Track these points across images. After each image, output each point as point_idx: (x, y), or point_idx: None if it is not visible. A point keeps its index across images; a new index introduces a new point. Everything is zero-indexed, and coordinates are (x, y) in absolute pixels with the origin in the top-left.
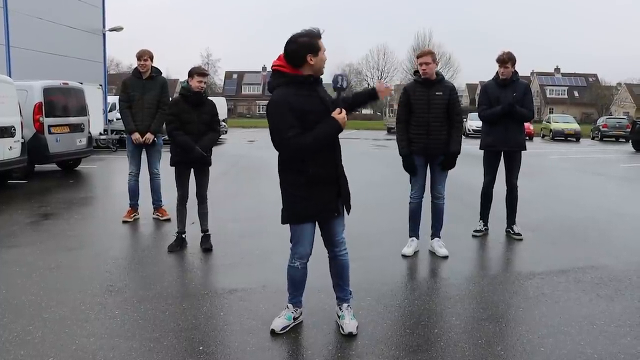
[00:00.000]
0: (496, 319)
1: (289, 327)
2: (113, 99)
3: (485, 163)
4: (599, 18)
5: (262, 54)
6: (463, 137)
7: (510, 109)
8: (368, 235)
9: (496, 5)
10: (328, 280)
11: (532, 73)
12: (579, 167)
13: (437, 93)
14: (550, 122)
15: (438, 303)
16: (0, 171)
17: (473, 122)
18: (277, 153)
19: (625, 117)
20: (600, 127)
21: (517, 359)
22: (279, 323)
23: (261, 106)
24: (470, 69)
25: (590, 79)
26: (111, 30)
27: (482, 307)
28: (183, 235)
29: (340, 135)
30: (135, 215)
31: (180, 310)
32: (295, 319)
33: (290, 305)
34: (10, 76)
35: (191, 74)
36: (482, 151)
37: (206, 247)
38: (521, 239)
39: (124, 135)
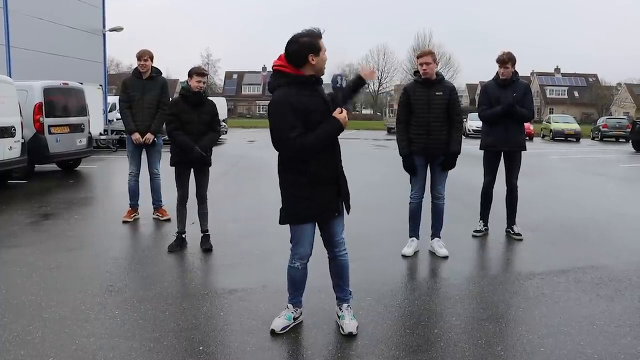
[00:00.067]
0: (496, 319)
1: (289, 327)
2: (113, 99)
3: (485, 163)
4: (599, 18)
5: (262, 54)
6: (463, 137)
7: (510, 109)
8: (368, 236)
9: (496, 5)
10: (328, 281)
11: (532, 73)
12: (579, 167)
13: (437, 93)
14: (550, 122)
15: (438, 303)
16: (0, 171)
17: (473, 122)
18: (277, 153)
19: (625, 117)
20: (601, 127)
21: (517, 359)
22: (279, 323)
23: (261, 106)
24: (470, 69)
25: (591, 79)
26: (111, 30)
27: (482, 307)
28: (183, 236)
29: (340, 136)
30: (135, 216)
31: (180, 310)
32: (295, 319)
33: (290, 306)
34: (10, 76)
35: (190, 74)
36: (482, 151)
37: (206, 247)
38: (521, 239)
39: (124, 136)
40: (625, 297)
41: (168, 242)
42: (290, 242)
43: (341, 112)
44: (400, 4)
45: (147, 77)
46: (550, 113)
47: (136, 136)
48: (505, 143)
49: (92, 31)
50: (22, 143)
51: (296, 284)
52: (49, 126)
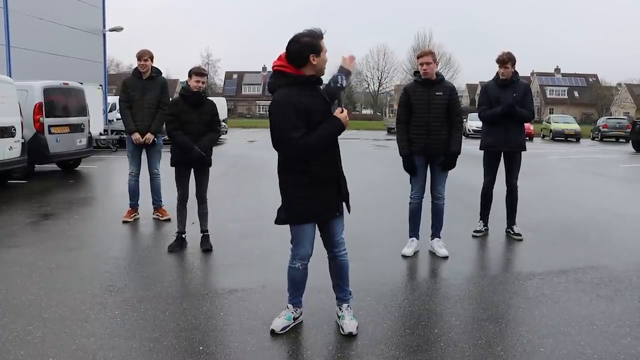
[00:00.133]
0: (496, 319)
1: (289, 327)
2: (113, 99)
3: (485, 163)
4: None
5: (262, 54)
6: (463, 137)
7: (510, 109)
8: (368, 236)
9: (496, 5)
10: (328, 281)
11: (532, 73)
12: (579, 167)
13: (437, 93)
14: (550, 123)
15: (438, 303)
16: (0, 171)
17: (473, 122)
18: (277, 153)
19: (625, 117)
20: (601, 128)
21: (517, 359)
22: (279, 323)
23: (261, 106)
24: (470, 69)
25: (591, 79)
26: (111, 30)
27: (482, 308)
28: (183, 236)
29: (340, 136)
30: (135, 216)
31: (180, 310)
32: (295, 319)
33: (290, 306)
34: (10, 76)
35: (190, 74)
36: (482, 151)
37: (206, 247)
38: (521, 240)
39: (124, 136)
40: (625, 298)
41: (168, 242)
42: (291, 242)
43: (342, 111)
44: (400, 4)
45: (147, 77)
46: (550, 113)
47: (136, 136)
48: (505, 143)
49: (92, 31)
50: (22, 143)
51: (296, 284)
52: (49, 126)
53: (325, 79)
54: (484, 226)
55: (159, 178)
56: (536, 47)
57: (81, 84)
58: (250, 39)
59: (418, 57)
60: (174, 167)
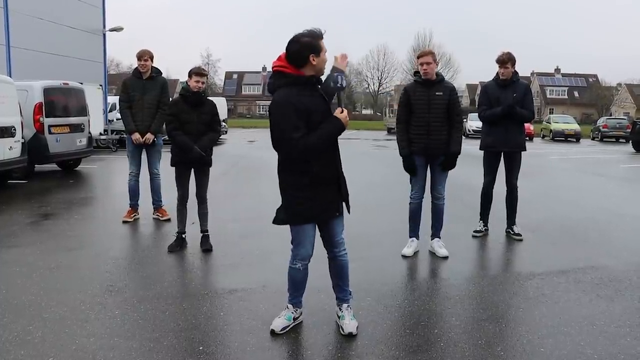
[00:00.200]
0: (496, 319)
1: (289, 328)
2: (113, 99)
3: (485, 163)
4: (599, 18)
5: (262, 54)
6: (463, 137)
7: (510, 110)
8: (368, 236)
9: (496, 5)
10: (328, 281)
11: (532, 73)
12: (579, 167)
13: (437, 93)
14: (550, 123)
15: (438, 303)
16: (0, 171)
17: (473, 122)
18: (277, 153)
19: (625, 117)
20: (601, 128)
21: (517, 359)
22: (278, 323)
23: (261, 106)
24: (470, 70)
25: (591, 80)
26: (111, 30)
27: (482, 308)
28: (183, 236)
29: (340, 136)
30: (135, 216)
31: (180, 310)
32: (295, 319)
33: (290, 306)
34: (10, 76)
35: (190, 74)
36: (482, 152)
37: (206, 247)
38: (521, 240)
39: (124, 136)
40: (625, 298)
41: (168, 242)
42: (292, 243)
43: (342, 111)
44: (400, 4)
45: (147, 77)
46: (550, 113)
47: (136, 136)
48: (505, 143)
49: (92, 31)
50: (22, 143)
51: (297, 284)
52: (49, 126)
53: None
54: (484, 226)
55: (159, 178)
56: (536, 47)
57: (81, 84)
58: (250, 39)
59: (418, 57)
60: (174, 167)
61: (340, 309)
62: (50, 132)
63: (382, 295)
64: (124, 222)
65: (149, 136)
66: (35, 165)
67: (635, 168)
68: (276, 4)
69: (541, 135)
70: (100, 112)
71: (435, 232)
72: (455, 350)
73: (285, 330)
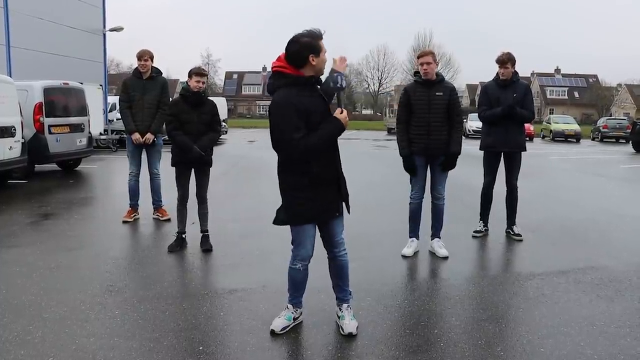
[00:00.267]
0: (496, 319)
1: (289, 328)
2: (113, 99)
3: (485, 164)
4: (599, 18)
5: (263, 54)
6: (463, 137)
7: (510, 110)
8: (368, 236)
9: (496, 5)
10: (328, 281)
11: (532, 74)
12: (579, 167)
13: (437, 93)
14: (550, 123)
15: (438, 304)
16: (0, 171)
17: (473, 122)
18: (277, 154)
19: (625, 118)
20: (601, 128)
21: None
22: (278, 323)
23: (261, 106)
24: (470, 70)
25: (591, 80)
26: (111, 30)
27: (482, 308)
28: (183, 236)
29: (340, 136)
30: (135, 216)
31: (180, 310)
32: (295, 319)
33: (290, 306)
34: (10, 76)
35: (190, 74)
36: (482, 152)
37: (206, 247)
38: (521, 240)
39: (124, 136)
40: (625, 298)
41: (168, 242)
42: (292, 243)
43: (341, 112)
44: (400, 4)
45: (148, 77)
46: (550, 114)
47: (136, 136)
48: (505, 144)
49: (92, 31)
50: (22, 143)
51: (297, 284)
52: (49, 126)
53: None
54: (484, 226)
55: (159, 178)
56: (536, 47)
57: (81, 83)
58: (251, 39)
59: (418, 57)
60: (174, 167)
61: (340, 309)
62: (50, 132)
63: (382, 295)
64: (124, 222)
65: (149, 136)
66: (35, 165)
67: (635, 168)
68: (276, 4)
69: (541, 136)
70: (100, 112)
71: (435, 232)
72: (455, 350)
73: (285, 331)
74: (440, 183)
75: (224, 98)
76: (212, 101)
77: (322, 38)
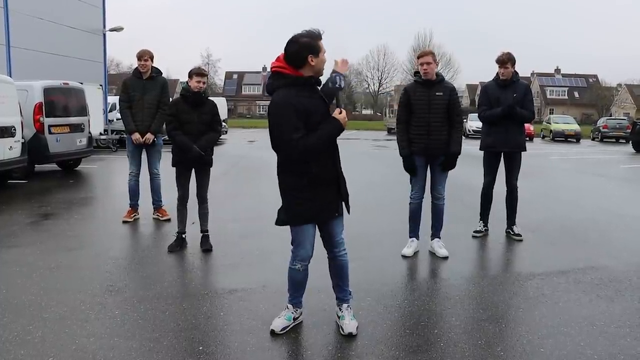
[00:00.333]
0: (496, 319)
1: (289, 328)
2: (113, 99)
3: (485, 164)
4: (599, 18)
5: (263, 54)
6: (463, 137)
7: (510, 111)
8: (368, 236)
9: (496, 5)
10: (328, 281)
11: (532, 74)
12: (579, 168)
13: (437, 93)
14: (550, 123)
15: (438, 304)
16: (0, 171)
17: (473, 122)
18: (276, 154)
19: (625, 118)
20: (601, 128)
21: None
22: (278, 323)
23: (261, 106)
24: (470, 70)
25: (591, 80)
26: (111, 30)
27: (482, 308)
28: (183, 236)
29: (340, 136)
30: (135, 216)
31: (180, 310)
32: (295, 319)
33: (290, 306)
34: (10, 76)
35: (190, 74)
36: (482, 152)
37: (206, 248)
38: (521, 240)
39: (124, 136)
40: (625, 298)
41: (168, 242)
42: (292, 244)
43: (340, 112)
44: (400, 4)
45: (148, 77)
46: (550, 114)
47: (136, 136)
48: (505, 144)
49: (92, 31)
50: (22, 143)
51: (297, 285)
52: (49, 126)
53: (324, 80)
54: (484, 226)
55: (159, 178)
56: (536, 47)
57: (81, 83)
58: (251, 39)
59: (418, 57)
60: (174, 167)
61: (340, 309)
62: (50, 132)
63: (382, 295)
64: (124, 222)
65: (149, 136)
66: (35, 165)
67: (635, 168)
68: (276, 4)
69: (541, 136)
70: (100, 112)
71: (435, 232)
72: (455, 350)
73: (285, 331)
74: (440, 183)
75: (224, 98)
76: (213, 101)
77: (321, 38)
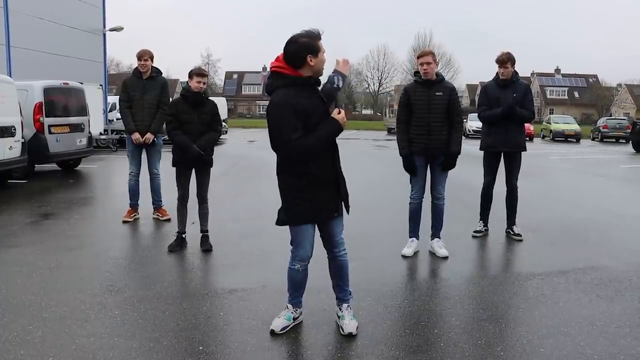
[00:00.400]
0: (496, 319)
1: (289, 328)
2: (113, 99)
3: (485, 164)
4: (599, 18)
5: (263, 54)
6: (463, 137)
7: (510, 111)
8: (368, 236)
9: (496, 5)
10: (328, 281)
11: (532, 74)
12: (579, 167)
13: (437, 93)
14: (550, 123)
15: (438, 303)
16: (0, 171)
17: (473, 122)
18: (275, 154)
19: (625, 118)
20: (601, 128)
21: None
22: (278, 323)
23: (261, 106)
24: (470, 70)
25: (591, 80)
26: (111, 30)
27: (482, 308)
28: (183, 236)
29: (340, 136)
30: (135, 215)
31: (180, 310)
32: (295, 319)
33: (290, 306)
34: (10, 76)
35: (190, 75)
36: (482, 152)
37: (206, 248)
38: (521, 240)
39: (124, 135)
40: (625, 298)
41: (168, 242)
42: (291, 244)
43: (339, 112)
44: (400, 4)
45: (148, 77)
46: (550, 113)
47: (136, 136)
48: (505, 144)
49: (92, 31)
50: (22, 143)
51: (296, 285)
52: (49, 126)
53: (323, 80)
54: (484, 226)
55: (159, 178)
56: (536, 47)
57: (81, 83)
58: (251, 39)
59: (418, 57)
60: (175, 167)
61: (340, 309)
62: (50, 132)
63: (382, 295)
64: (124, 222)
65: (149, 136)
66: (35, 165)
67: (635, 168)
68: (276, 4)
69: (541, 136)
70: (100, 112)
71: (435, 232)
72: (455, 350)
73: (285, 330)
74: (440, 183)
75: (224, 98)
76: (213, 101)
77: (320, 38)
